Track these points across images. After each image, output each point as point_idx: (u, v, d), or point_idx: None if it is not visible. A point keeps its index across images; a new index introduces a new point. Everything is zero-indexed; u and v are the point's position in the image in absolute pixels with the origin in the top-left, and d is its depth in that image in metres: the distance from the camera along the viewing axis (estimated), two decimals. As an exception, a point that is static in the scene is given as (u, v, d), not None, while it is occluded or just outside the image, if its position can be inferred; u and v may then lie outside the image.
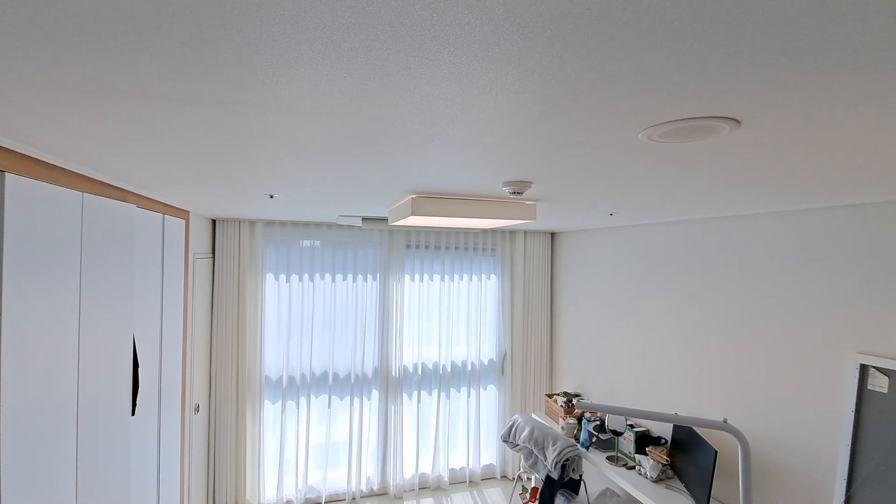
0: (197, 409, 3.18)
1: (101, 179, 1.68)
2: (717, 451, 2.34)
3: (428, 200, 2.03)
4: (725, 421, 1.36)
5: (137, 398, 2.06)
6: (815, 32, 0.55)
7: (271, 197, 2.16)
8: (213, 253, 3.62)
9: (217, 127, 1.00)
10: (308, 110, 0.88)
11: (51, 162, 1.36)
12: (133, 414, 2.01)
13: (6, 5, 0.52)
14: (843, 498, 1.95)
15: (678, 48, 0.60)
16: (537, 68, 0.67)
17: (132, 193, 1.97)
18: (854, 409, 1.93)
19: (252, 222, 3.65)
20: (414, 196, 2.03)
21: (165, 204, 2.41)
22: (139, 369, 2.07)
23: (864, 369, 1.91)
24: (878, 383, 1.86)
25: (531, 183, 1.64)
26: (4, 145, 1.16)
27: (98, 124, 1.00)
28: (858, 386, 1.92)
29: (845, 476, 1.95)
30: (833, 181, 1.48)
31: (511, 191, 1.69)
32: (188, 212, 2.83)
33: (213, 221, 3.60)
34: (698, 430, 2.75)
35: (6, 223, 1.16)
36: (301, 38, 0.59)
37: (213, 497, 3.59)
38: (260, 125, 0.98)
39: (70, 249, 1.46)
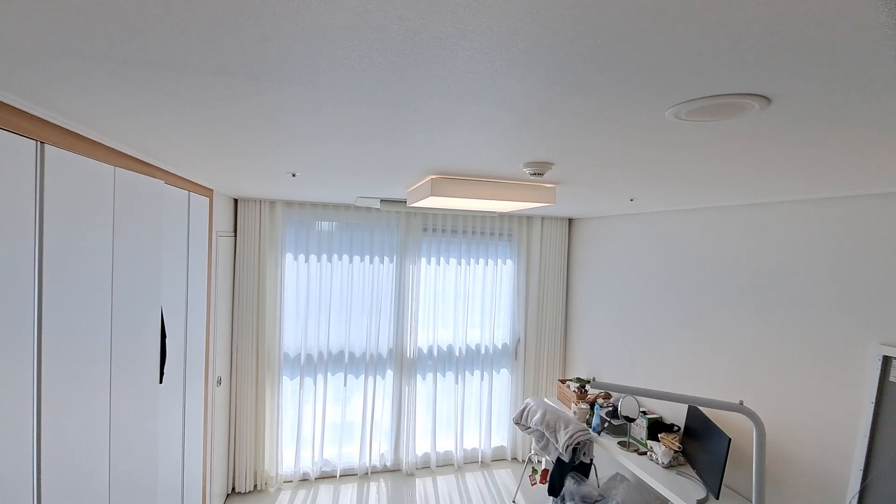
0: (219, 381, 3.29)
1: (131, 154, 1.73)
2: (730, 439, 2.34)
3: (448, 181, 2.04)
4: (742, 403, 1.36)
5: (165, 367, 2.14)
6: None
7: (293, 175, 2.19)
8: (235, 232, 3.69)
9: (247, 102, 1.02)
10: (334, 84, 0.89)
11: (85, 135, 1.41)
12: (161, 382, 2.10)
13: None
14: (857, 489, 1.94)
15: (710, 19, 0.59)
16: (570, 38, 0.67)
17: (159, 169, 2.02)
18: (874, 402, 1.90)
19: (272, 202, 3.71)
20: (434, 177, 2.04)
21: (190, 181, 2.46)
22: (167, 340, 2.15)
23: (886, 361, 1.88)
24: (901, 375, 1.83)
25: (552, 164, 1.63)
26: (43, 117, 1.21)
27: (130, 98, 1.03)
28: (880, 378, 1.90)
29: (861, 467, 1.93)
30: (865, 166, 1.44)
31: (532, 172, 1.69)
32: (212, 190, 2.88)
33: (235, 201, 3.66)
34: (712, 417, 2.75)
35: (46, 194, 1.21)
36: (337, 9, 0.60)
37: (234, 466, 3.73)
38: (285, 100, 1.00)
39: (103, 220, 1.51)
